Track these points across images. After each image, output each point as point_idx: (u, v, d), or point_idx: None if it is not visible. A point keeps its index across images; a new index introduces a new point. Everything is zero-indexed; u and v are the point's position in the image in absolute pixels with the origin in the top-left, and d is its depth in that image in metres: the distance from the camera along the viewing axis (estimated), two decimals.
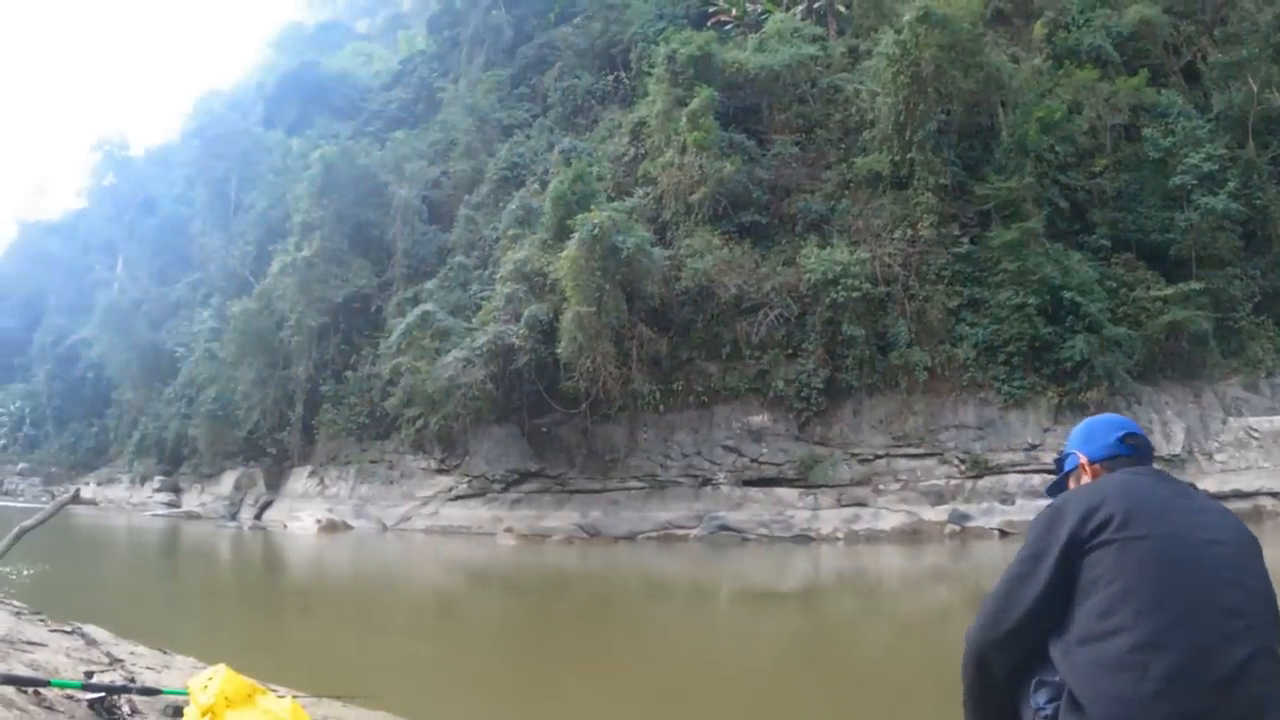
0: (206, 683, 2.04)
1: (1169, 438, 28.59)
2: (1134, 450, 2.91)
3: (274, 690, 2.24)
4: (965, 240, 31.69)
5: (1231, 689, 2.23)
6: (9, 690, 3.65)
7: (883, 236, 31.99)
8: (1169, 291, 29.68)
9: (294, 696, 2.29)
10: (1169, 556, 2.40)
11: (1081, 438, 3.04)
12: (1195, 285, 29.69)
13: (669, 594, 19.98)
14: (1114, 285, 30.74)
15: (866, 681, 9.32)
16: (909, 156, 32.33)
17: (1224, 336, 30.34)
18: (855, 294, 30.02)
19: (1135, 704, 2.25)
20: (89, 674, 4.74)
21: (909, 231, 31.76)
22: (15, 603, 8.57)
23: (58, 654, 5.58)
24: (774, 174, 35.32)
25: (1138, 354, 29.31)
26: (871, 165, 33.28)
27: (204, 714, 1.97)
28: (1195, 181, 30.50)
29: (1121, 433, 2.95)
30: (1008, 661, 2.65)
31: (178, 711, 3.94)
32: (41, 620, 7.89)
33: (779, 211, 34.72)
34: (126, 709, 4.08)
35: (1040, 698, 2.54)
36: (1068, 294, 29.29)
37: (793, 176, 35.28)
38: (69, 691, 3.95)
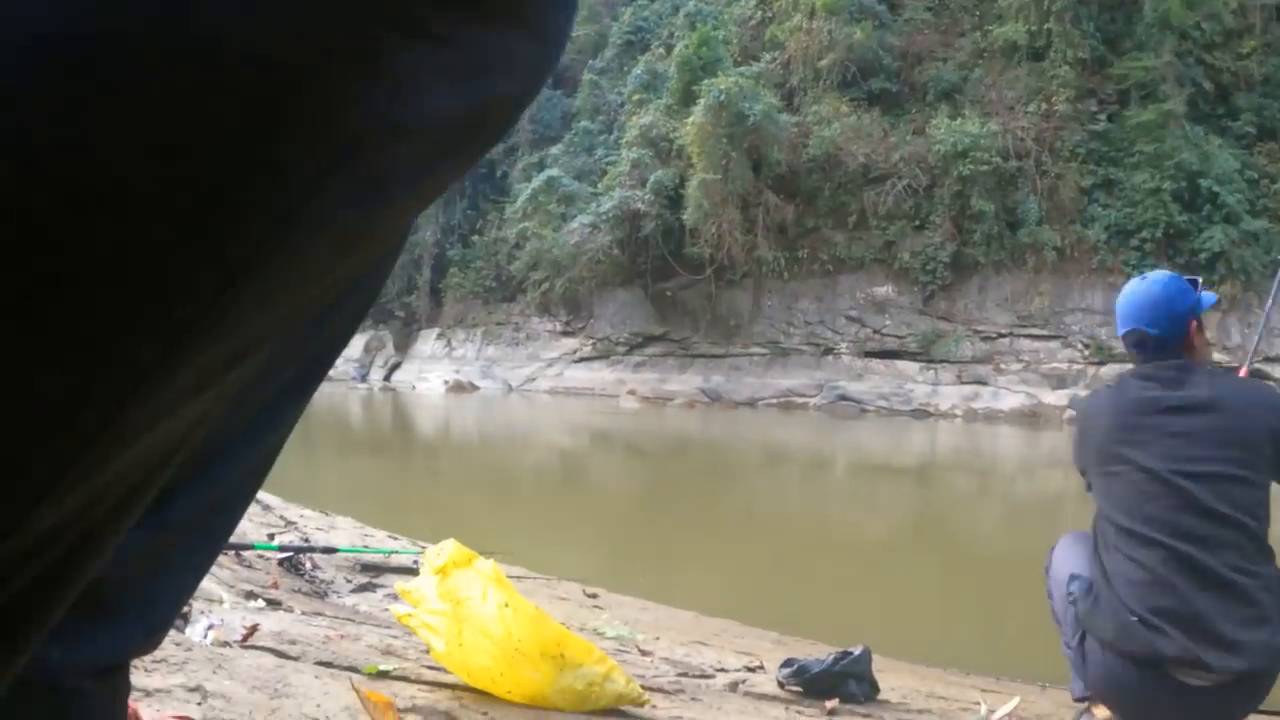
0: (439, 551, 2.60)
1: None
2: (1138, 347, 2.88)
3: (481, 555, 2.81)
4: (1102, 117, 30.70)
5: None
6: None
7: (1016, 109, 31.14)
8: None
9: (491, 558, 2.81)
10: (1143, 492, 2.64)
11: (1117, 316, 2.97)
12: None
13: (787, 462, 20.23)
14: (1255, 176, 29.38)
15: (975, 562, 9.52)
16: (1046, 27, 31.24)
17: None
18: (985, 167, 29.51)
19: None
20: (271, 535, 5.48)
21: (1043, 105, 30.80)
22: None
23: (241, 520, 6.21)
24: (905, 40, 34.51)
25: (1276, 250, 28.16)
26: (1007, 34, 32.19)
27: (436, 573, 2.53)
28: None
29: (1124, 331, 2.91)
30: None
31: (412, 571, 4.59)
32: None
33: (909, 80, 34.03)
34: (309, 565, 4.80)
35: None
36: (1206, 182, 28.21)
37: (924, 43, 34.42)
38: (259, 552, 4.68)
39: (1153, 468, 2.65)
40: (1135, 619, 2.52)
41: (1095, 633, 2.66)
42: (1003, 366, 29.40)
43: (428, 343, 43.82)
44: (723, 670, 3.43)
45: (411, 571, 4.40)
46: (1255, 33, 31.15)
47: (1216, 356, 20.44)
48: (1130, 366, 2.98)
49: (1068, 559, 2.95)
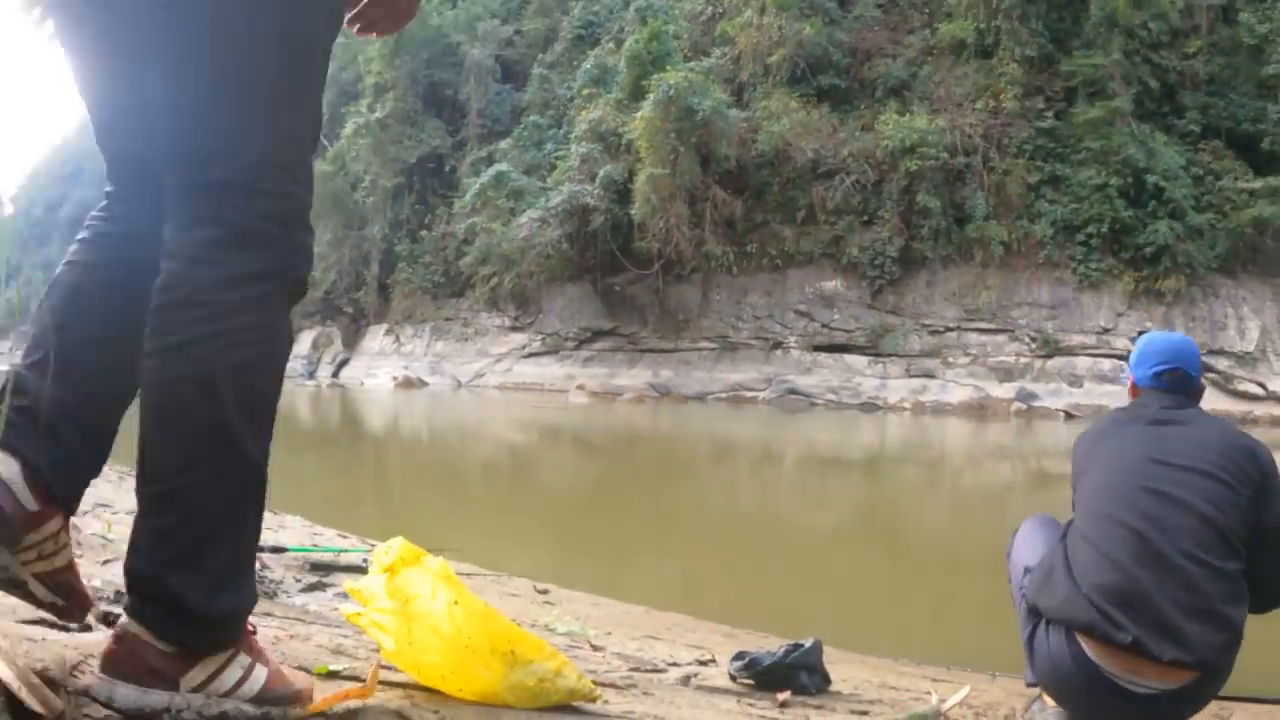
0: (388, 550, 2.56)
1: (1243, 334, 28.25)
2: (1169, 385, 2.91)
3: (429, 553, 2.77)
4: (1049, 115, 31.08)
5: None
6: None
7: (964, 106, 31.44)
8: (1257, 184, 28.68)
9: (440, 555, 2.78)
10: (1112, 474, 2.72)
11: (1135, 357, 3.04)
12: None
13: (736, 456, 20.20)
14: (1200, 173, 29.81)
15: (924, 553, 9.54)
16: (994, 24, 31.55)
17: None
18: (933, 163, 29.78)
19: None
20: None
21: (991, 102, 31.13)
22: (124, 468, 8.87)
23: None
24: (855, 37, 34.75)
25: (1219, 246, 28.65)
26: (955, 32, 32.54)
27: (384, 570, 2.51)
28: None
29: (1161, 368, 2.93)
30: None
31: (361, 570, 4.53)
32: None
33: (858, 76, 34.27)
34: (257, 565, 4.68)
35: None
36: (1151, 178, 28.65)
37: (874, 40, 34.69)
38: None
39: (1128, 453, 2.73)
40: (1082, 594, 2.52)
41: (1042, 603, 2.65)
42: (950, 360, 29.68)
43: (376, 339, 43.57)
44: (675, 664, 3.42)
45: (361, 570, 4.37)
46: (1201, 32, 31.59)
47: None
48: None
49: (1025, 550, 2.98)
